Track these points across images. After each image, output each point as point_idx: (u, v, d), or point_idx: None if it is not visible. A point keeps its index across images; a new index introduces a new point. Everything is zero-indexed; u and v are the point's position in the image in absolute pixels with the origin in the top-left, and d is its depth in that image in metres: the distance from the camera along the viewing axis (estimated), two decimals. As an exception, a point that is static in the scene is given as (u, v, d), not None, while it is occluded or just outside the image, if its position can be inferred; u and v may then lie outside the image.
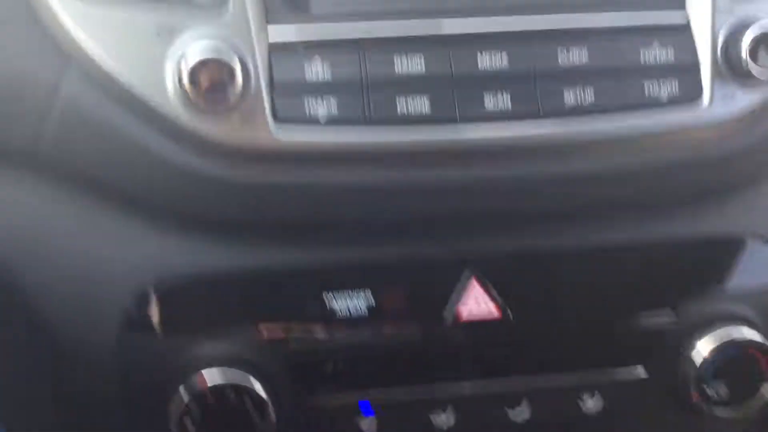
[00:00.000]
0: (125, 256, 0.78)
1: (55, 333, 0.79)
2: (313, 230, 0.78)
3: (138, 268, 0.77)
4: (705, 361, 0.80)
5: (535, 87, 0.74)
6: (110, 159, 0.75)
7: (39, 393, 0.86)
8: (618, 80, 0.75)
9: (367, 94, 0.72)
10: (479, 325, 0.79)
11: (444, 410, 0.82)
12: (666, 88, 0.75)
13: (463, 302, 0.79)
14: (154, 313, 0.77)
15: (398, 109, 0.72)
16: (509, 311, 0.79)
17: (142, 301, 0.77)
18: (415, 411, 0.81)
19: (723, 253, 0.83)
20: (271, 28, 0.72)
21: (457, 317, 0.79)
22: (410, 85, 0.73)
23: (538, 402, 0.82)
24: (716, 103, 0.76)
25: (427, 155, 0.74)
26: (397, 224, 0.78)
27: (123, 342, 0.78)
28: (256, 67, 0.71)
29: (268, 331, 0.78)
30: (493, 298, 0.79)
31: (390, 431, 0.81)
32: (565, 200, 0.78)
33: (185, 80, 0.69)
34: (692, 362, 0.81)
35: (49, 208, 0.79)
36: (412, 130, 0.73)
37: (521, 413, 0.82)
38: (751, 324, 0.81)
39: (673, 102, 0.75)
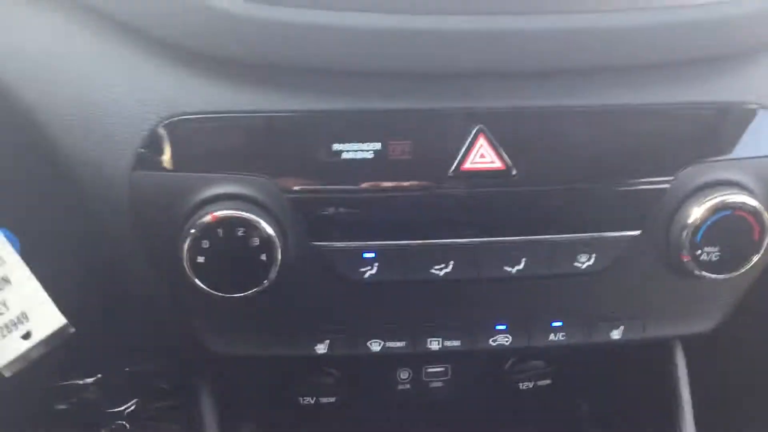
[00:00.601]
0: (140, 92, 0.79)
1: (71, 166, 0.81)
2: (327, 78, 0.79)
3: (151, 103, 0.79)
4: (698, 222, 0.82)
5: None
6: None
7: (58, 230, 0.89)
8: None
9: None
10: (482, 178, 0.81)
11: (444, 263, 0.85)
12: None
13: (469, 156, 0.81)
14: (166, 151, 0.79)
15: None
16: (512, 166, 0.81)
17: (155, 138, 0.79)
18: (416, 259, 0.85)
19: (726, 119, 0.83)
20: None
21: (461, 168, 0.81)
22: None
23: (533, 257, 0.85)
24: None
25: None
26: (410, 77, 0.80)
27: (136, 178, 0.80)
28: None
29: (277, 173, 0.80)
30: (498, 154, 0.81)
31: (389, 277, 0.85)
32: (573, 58, 0.79)
33: None
34: (685, 224, 0.83)
35: (66, 37, 0.80)
36: None
37: (516, 266, 0.86)
38: (747, 191, 0.83)
39: None
